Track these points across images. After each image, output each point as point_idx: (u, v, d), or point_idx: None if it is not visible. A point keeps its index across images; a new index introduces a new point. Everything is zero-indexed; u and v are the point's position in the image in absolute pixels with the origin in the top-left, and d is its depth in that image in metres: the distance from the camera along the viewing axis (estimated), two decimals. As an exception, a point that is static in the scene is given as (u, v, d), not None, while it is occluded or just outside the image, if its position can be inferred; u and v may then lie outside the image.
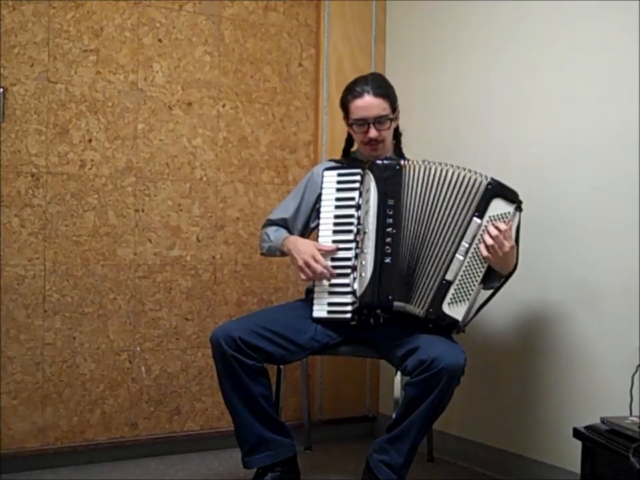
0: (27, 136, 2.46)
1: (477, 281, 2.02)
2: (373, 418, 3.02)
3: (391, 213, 2.07)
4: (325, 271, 2.13)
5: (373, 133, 2.20)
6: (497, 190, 2.02)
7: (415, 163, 2.09)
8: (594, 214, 2.16)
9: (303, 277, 2.17)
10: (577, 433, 1.78)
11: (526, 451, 2.35)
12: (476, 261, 2.01)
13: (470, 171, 2.05)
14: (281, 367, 2.37)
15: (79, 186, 2.53)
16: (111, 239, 2.58)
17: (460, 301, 2.01)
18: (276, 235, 2.33)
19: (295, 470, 2.18)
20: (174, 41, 2.68)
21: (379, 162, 2.11)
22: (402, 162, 2.09)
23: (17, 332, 2.44)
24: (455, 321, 2.02)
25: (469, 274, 2.02)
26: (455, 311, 2.01)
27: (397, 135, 2.34)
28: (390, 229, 2.07)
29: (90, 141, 2.55)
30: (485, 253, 1.99)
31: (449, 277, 2.01)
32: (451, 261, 2.02)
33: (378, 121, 2.20)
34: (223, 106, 2.78)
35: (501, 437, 2.45)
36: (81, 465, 2.52)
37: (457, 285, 2.01)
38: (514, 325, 2.41)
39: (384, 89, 2.23)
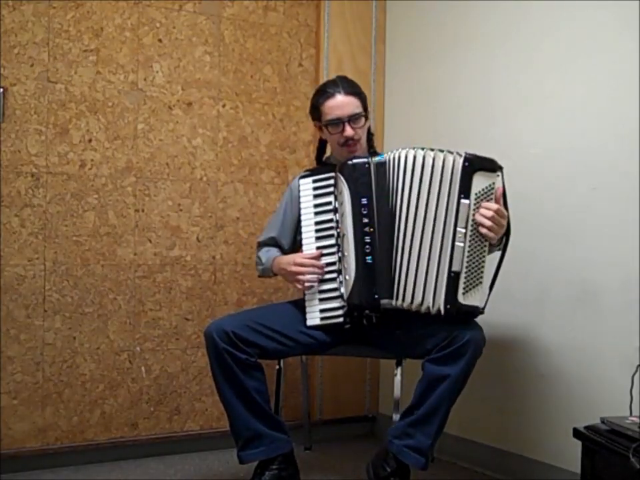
0: (27, 136, 2.46)
1: (483, 262, 1.98)
2: (372, 418, 3.02)
3: (365, 212, 2.06)
4: (313, 268, 2.13)
5: (349, 131, 2.19)
6: (476, 165, 1.96)
7: (411, 152, 2.06)
8: (594, 214, 2.16)
9: (300, 286, 2.17)
10: (577, 433, 1.78)
11: (526, 451, 2.35)
12: (477, 242, 1.97)
13: (441, 151, 1.99)
14: (281, 366, 2.38)
15: (79, 186, 2.53)
16: (110, 239, 2.58)
17: (474, 287, 1.97)
18: (267, 256, 2.34)
19: (292, 466, 2.18)
20: (174, 40, 2.68)
21: (349, 162, 2.11)
22: (370, 158, 2.08)
23: (17, 332, 2.45)
24: (476, 307, 1.99)
25: (474, 258, 1.96)
26: (472, 298, 1.97)
27: (369, 135, 2.33)
28: (367, 228, 2.06)
29: (90, 141, 2.55)
30: (490, 234, 1.95)
31: (455, 267, 1.96)
32: (452, 250, 1.96)
33: (353, 118, 2.19)
34: (223, 106, 2.78)
35: (501, 437, 2.45)
36: (80, 465, 2.52)
37: (466, 272, 1.96)
38: (514, 324, 2.41)
39: (355, 88, 2.24)
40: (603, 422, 1.74)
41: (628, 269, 2.05)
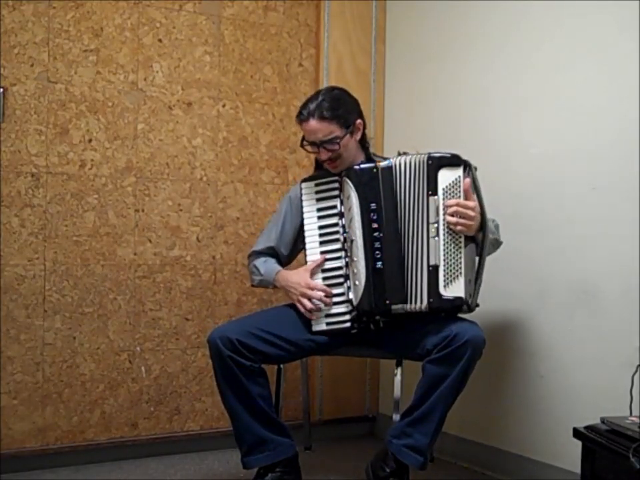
0: (26, 136, 2.46)
1: (460, 253, 2.00)
2: (372, 418, 3.02)
3: (375, 217, 2.08)
4: (324, 298, 2.14)
5: (322, 155, 2.17)
6: (438, 162, 2.03)
7: (392, 161, 2.10)
8: (594, 214, 2.16)
9: (303, 310, 2.17)
10: (576, 433, 1.78)
11: (526, 451, 2.35)
12: (450, 235, 2.01)
13: (411, 155, 2.08)
14: (281, 367, 2.38)
15: (78, 186, 2.53)
16: (110, 239, 2.58)
17: (454, 278, 1.99)
18: (266, 267, 2.31)
19: (295, 470, 2.18)
20: (174, 40, 2.68)
21: (356, 167, 2.12)
22: (377, 163, 2.10)
23: (17, 332, 2.44)
24: (459, 298, 1.99)
25: (450, 250, 2.00)
26: (453, 290, 1.99)
27: (364, 143, 2.28)
28: (377, 233, 2.08)
29: (90, 141, 2.55)
30: (457, 228, 1.99)
31: (432, 261, 2.01)
32: (429, 245, 2.02)
33: (324, 144, 2.15)
34: (223, 106, 2.78)
35: (501, 437, 2.45)
36: (80, 465, 2.52)
37: (444, 265, 2.00)
38: (513, 324, 2.41)
39: (330, 112, 2.13)
40: (603, 422, 1.74)
41: (628, 269, 2.05)
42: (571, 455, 1.99)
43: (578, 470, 1.81)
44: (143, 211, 2.63)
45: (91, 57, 2.55)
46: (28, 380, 2.46)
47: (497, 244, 2.24)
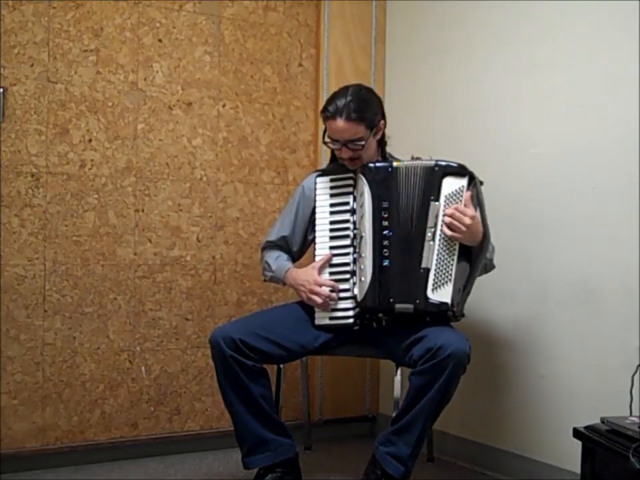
0: (26, 136, 2.46)
1: (453, 260, 2.02)
2: (372, 418, 3.02)
3: (386, 215, 2.09)
4: (332, 295, 2.14)
5: (345, 154, 2.17)
6: (444, 169, 2.06)
7: (402, 164, 2.11)
8: (594, 214, 2.16)
9: (316, 306, 2.17)
10: (576, 433, 1.78)
11: (526, 451, 2.35)
12: (445, 241, 2.02)
13: (422, 160, 2.10)
14: (281, 367, 2.38)
15: (79, 186, 2.53)
16: (110, 239, 2.58)
17: (443, 284, 2.01)
18: (277, 264, 2.30)
19: (296, 471, 2.18)
20: (174, 40, 2.68)
21: (371, 165, 2.13)
22: (394, 164, 2.11)
23: (17, 332, 2.44)
24: (445, 304, 2.00)
25: (443, 255, 2.02)
26: (440, 294, 2.01)
27: (382, 142, 2.29)
28: (386, 231, 2.09)
29: (90, 141, 2.55)
30: (448, 232, 2.00)
31: (424, 264, 2.03)
32: (422, 248, 2.04)
33: (349, 143, 2.15)
34: (223, 106, 2.78)
35: (500, 437, 2.45)
36: (80, 465, 2.52)
37: (435, 269, 2.02)
38: (514, 324, 2.41)
39: (358, 113, 2.11)
40: (602, 422, 1.74)
41: (628, 269, 2.05)
42: (571, 455, 1.99)
43: (578, 470, 1.81)
44: (142, 211, 2.63)
45: (91, 57, 2.55)
46: (28, 380, 2.46)
47: (487, 267, 2.22)
